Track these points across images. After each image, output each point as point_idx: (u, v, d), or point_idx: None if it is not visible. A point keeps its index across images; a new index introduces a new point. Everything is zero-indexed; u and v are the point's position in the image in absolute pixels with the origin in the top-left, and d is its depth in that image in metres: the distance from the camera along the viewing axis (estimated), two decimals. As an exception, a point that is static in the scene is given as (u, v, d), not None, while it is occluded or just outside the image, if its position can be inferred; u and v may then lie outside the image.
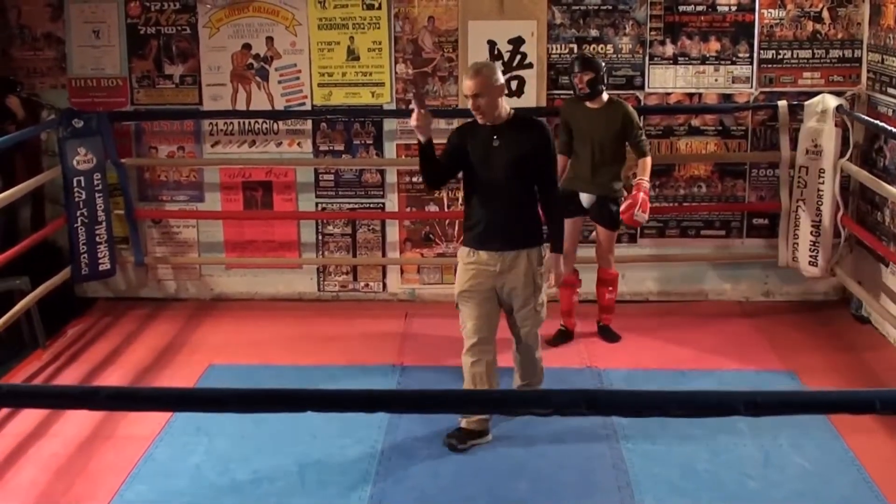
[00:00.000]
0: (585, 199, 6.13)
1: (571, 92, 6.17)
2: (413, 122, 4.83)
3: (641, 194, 5.98)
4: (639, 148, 6.08)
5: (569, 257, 6.07)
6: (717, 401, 2.77)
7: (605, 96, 6.08)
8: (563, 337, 6.39)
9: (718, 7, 6.81)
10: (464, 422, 5.08)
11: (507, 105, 5.01)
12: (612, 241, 6.29)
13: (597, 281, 6.41)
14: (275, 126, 6.99)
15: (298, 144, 7.02)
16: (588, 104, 6.07)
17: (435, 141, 4.95)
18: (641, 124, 6.18)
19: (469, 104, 4.93)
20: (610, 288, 6.38)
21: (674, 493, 4.70)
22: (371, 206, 7.14)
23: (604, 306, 6.44)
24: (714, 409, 2.79)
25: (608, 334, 6.42)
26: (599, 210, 6.15)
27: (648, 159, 6.10)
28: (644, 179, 6.03)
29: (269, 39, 6.94)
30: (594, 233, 6.36)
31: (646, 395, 2.76)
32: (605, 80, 6.12)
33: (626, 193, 6.13)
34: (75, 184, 6.73)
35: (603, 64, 6.13)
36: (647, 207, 6.01)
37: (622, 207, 6.04)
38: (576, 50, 6.86)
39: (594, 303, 6.49)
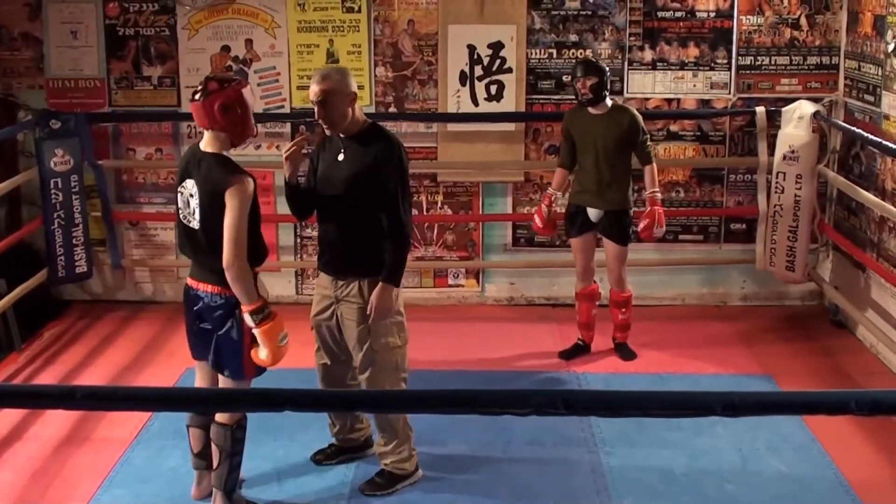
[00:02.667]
0: (593, 213, 5.95)
1: (574, 98, 5.98)
2: (284, 152, 4.49)
3: (658, 209, 5.88)
4: (645, 155, 5.90)
5: (587, 271, 6.11)
6: (694, 401, 2.78)
7: (608, 102, 5.90)
8: (578, 351, 6.24)
9: (697, 13, 6.84)
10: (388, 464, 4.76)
11: (362, 116, 4.57)
12: (624, 258, 6.05)
13: (610, 302, 6.21)
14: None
15: (277, 147, 6.99)
16: (591, 110, 5.87)
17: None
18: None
19: (315, 111, 4.51)
20: (623, 310, 6.15)
21: (652, 498, 4.71)
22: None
23: (618, 325, 6.24)
24: (691, 409, 2.80)
25: (624, 352, 6.24)
26: (609, 225, 5.95)
27: (654, 167, 5.93)
28: (656, 192, 5.91)
29: (249, 42, 6.92)
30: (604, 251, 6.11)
31: (623, 395, 2.77)
32: (609, 86, 5.94)
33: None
34: (52, 185, 6.68)
35: (607, 68, 5.93)
36: (664, 221, 5.93)
37: (641, 227, 5.92)
38: (555, 55, 6.88)
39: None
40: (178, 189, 4.32)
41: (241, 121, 4.22)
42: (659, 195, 5.95)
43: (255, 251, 4.29)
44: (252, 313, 4.19)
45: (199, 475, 4.68)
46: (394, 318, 4.60)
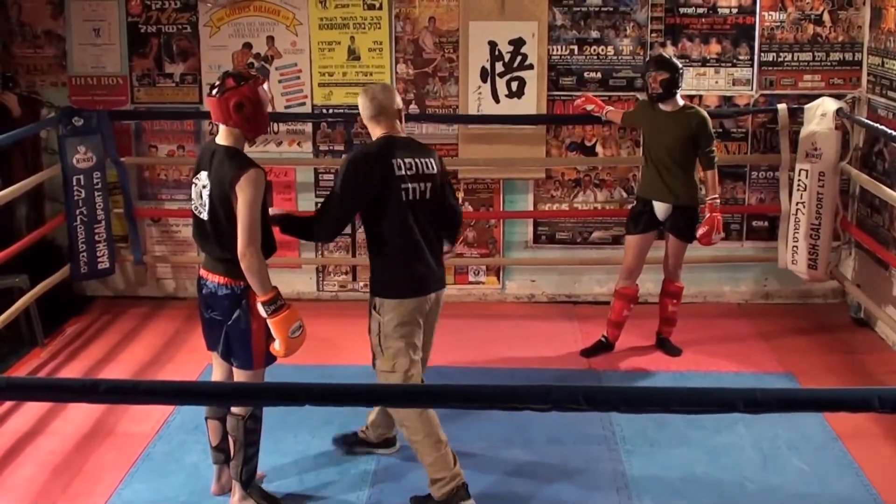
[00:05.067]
0: (661, 209, 5.92)
1: (645, 93, 6.01)
2: None
3: (718, 216, 5.82)
4: (708, 159, 5.82)
5: (636, 271, 6.09)
6: (716, 397, 2.77)
7: (679, 100, 5.87)
8: (602, 348, 6.20)
9: (719, 9, 6.81)
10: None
11: (376, 134, 4.58)
12: (684, 252, 6.08)
13: (661, 292, 6.23)
14: (275, 126, 6.98)
15: (298, 144, 7.01)
16: (661, 107, 5.85)
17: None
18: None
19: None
20: (675, 300, 6.18)
21: (672, 496, 4.70)
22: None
23: (666, 318, 6.25)
24: (713, 405, 2.79)
25: (668, 347, 6.24)
26: (677, 221, 5.93)
27: (716, 173, 5.87)
28: (717, 199, 5.86)
29: (270, 39, 6.94)
30: (665, 243, 6.13)
31: (645, 391, 2.77)
32: (680, 83, 5.86)
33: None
34: (75, 182, 6.72)
35: (680, 66, 5.87)
36: (722, 227, 5.90)
37: (700, 233, 5.85)
38: (577, 51, 6.86)
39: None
40: (193, 181, 4.40)
41: (255, 118, 4.28)
42: (719, 201, 5.89)
43: (265, 244, 4.33)
44: (265, 304, 4.23)
45: (218, 470, 4.71)
46: (387, 345, 4.54)
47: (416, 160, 4.49)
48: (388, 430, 5.00)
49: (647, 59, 6.06)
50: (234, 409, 4.46)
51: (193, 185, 4.39)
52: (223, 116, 4.25)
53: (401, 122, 4.60)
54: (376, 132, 4.56)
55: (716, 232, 5.83)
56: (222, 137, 4.32)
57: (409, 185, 4.44)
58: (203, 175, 4.32)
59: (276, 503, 4.58)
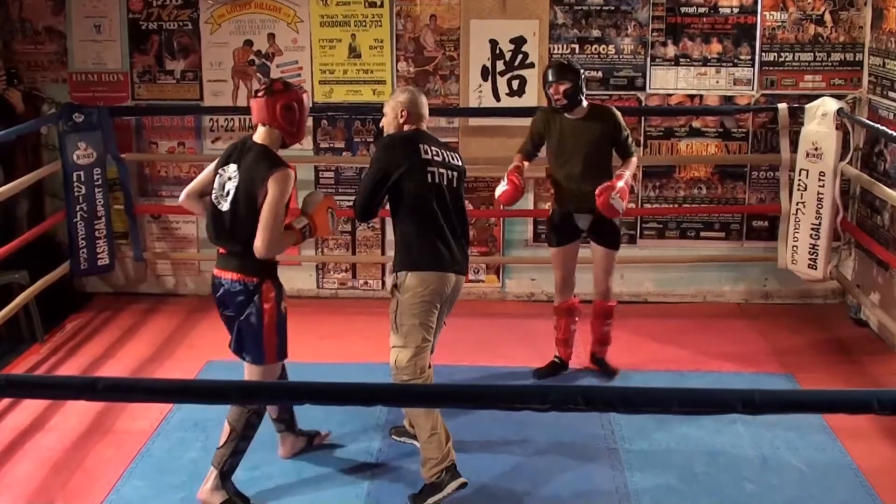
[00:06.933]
0: (583, 219, 5.60)
1: (548, 105, 5.61)
2: None
3: (620, 182, 5.36)
4: (626, 150, 5.57)
5: (569, 283, 5.79)
6: (715, 398, 2.77)
7: (584, 104, 5.52)
8: (555, 369, 5.88)
9: (720, 9, 6.81)
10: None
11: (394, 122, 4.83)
12: (613, 264, 5.74)
13: (593, 313, 5.85)
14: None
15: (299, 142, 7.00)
16: (568, 116, 5.51)
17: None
18: (645, 126, 5.90)
19: None
20: (608, 320, 5.83)
21: (671, 496, 4.70)
22: (371, 204, 7.13)
23: (600, 338, 5.90)
24: (712, 406, 2.79)
25: (604, 367, 5.90)
26: (599, 228, 5.60)
27: (635, 158, 5.62)
28: (626, 172, 5.46)
29: (271, 36, 6.94)
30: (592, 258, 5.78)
31: (643, 392, 2.76)
32: (584, 88, 5.51)
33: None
34: (75, 178, 6.73)
35: (581, 69, 5.53)
36: (626, 197, 5.40)
37: (597, 190, 5.34)
38: (578, 50, 6.86)
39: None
40: (218, 172, 4.45)
41: (298, 123, 4.48)
42: (627, 175, 5.44)
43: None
44: (303, 231, 4.54)
45: (282, 437, 4.92)
46: (401, 321, 4.68)
47: (442, 151, 4.77)
48: None
49: (546, 67, 5.62)
50: None
51: (218, 176, 4.45)
52: (268, 116, 4.39)
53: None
54: (409, 127, 4.79)
55: (617, 195, 5.31)
56: (259, 136, 4.44)
57: (436, 170, 4.66)
58: (232, 167, 4.39)
59: (248, 501, 4.57)
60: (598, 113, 5.58)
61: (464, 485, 4.54)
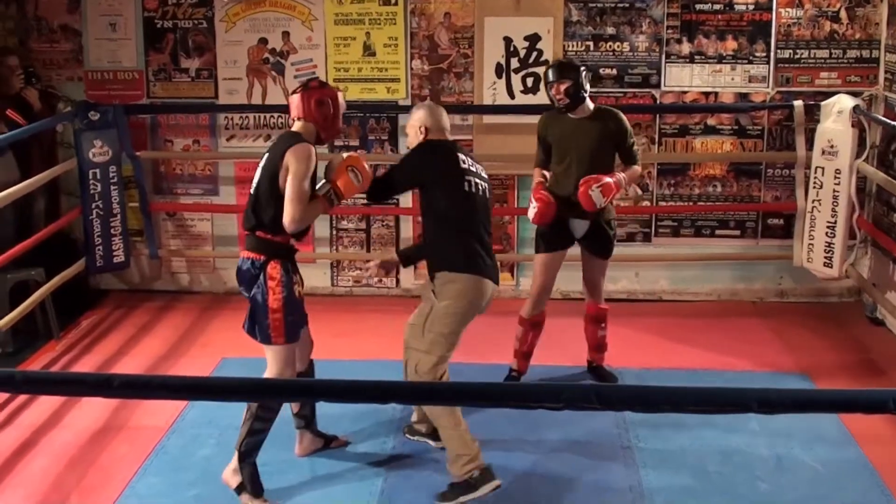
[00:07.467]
0: (579, 226, 5.46)
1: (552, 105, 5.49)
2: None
3: (608, 179, 5.23)
4: (630, 158, 5.44)
5: (547, 294, 5.63)
6: (730, 397, 2.75)
7: (590, 104, 5.41)
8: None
9: (735, 6, 6.78)
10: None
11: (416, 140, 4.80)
12: (605, 270, 5.66)
13: (586, 318, 5.77)
14: (290, 120, 6.95)
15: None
16: (572, 116, 5.37)
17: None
18: (660, 124, 5.83)
19: None
20: (602, 324, 5.74)
21: (685, 495, 4.69)
22: (385, 201, 7.13)
23: (596, 345, 5.80)
24: (727, 405, 2.77)
25: (603, 374, 5.78)
26: (595, 237, 5.50)
27: (638, 168, 5.51)
28: (622, 174, 5.35)
29: (286, 34, 6.95)
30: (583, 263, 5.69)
31: (658, 391, 2.75)
32: (587, 86, 5.36)
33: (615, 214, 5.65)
34: (91, 176, 6.76)
35: (582, 67, 5.39)
36: (611, 194, 5.24)
37: (582, 179, 5.24)
38: (592, 47, 6.85)
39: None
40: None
41: (332, 117, 4.59)
42: (622, 178, 5.33)
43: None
44: (332, 195, 4.57)
45: (300, 434, 4.94)
46: (431, 327, 4.66)
47: (475, 163, 4.82)
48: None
49: (546, 67, 5.52)
50: None
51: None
52: (304, 111, 4.56)
53: None
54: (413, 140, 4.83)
55: (598, 187, 5.19)
56: (295, 128, 4.60)
57: (472, 179, 4.70)
58: (266, 156, 4.57)
59: (261, 491, 4.57)
60: (604, 115, 5.46)
61: (497, 487, 4.50)
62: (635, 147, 5.53)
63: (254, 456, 4.56)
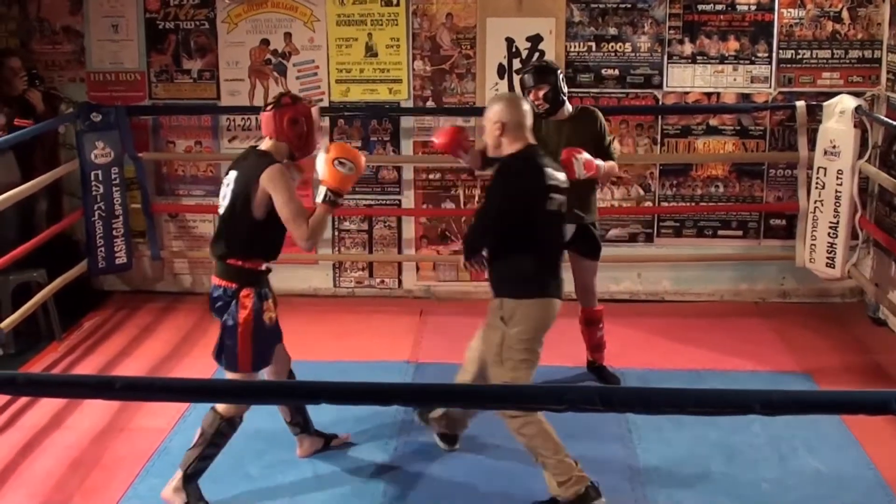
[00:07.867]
0: (566, 230, 5.09)
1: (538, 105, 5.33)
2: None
3: (591, 157, 5.11)
4: (609, 156, 5.37)
5: (589, 293, 5.69)
6: (732, 399, 2.75)
7: (569, 106, 5.39)
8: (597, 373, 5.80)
9: (738, 6, 6.78)
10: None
11: (511, 148, 4.48)
12: (595, 271, 5.65)
13: (582, 321, 5.78)
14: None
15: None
16: (552, 118, 5.35)
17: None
18: (662, 124, 5.73)
19: None
20: (599, 325, 5.76)
21: (687, 496, 4.68)
22: (387, 202, 7.14)
23: (595, 345, 5.81)
24: (729, 407, 2.77)
25: (605, 375, 5.80)
26: (584, 239, 5.48)
27: (614, 163, 5.43)
28: (602, 164, 5.19)
29: (288, 35, 6.95)
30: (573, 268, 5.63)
31: (661, 392, 2.75)
32: (565, 88, 5.35)
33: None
34: (93, 177, 6.76)
35: (559, 70, 5.40)
36: (591, 170, 5.06)
37: (565, 150, 5.08)
38: (594, 48, 6.85)
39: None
40: (223, 182, 4.49)
41: (306, 136, 4.44)
42: (601, 168, 5.18)
43: (273, 243, 4.44)
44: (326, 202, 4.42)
45: (298, 439, 4.94)
46: (508, 356, 4.46)
47: (557, 173, 4.51)
48: (450, 429, 4.99)
49: (524, 72, 5.45)
50: (217, 407, 4.49)
51: (223, 186, 4.47)
52: (275, 130, 4.39)
53: None
54: (514, 144, 4.45)
55: (581, 156, 5.04)
56: (264, 146, 4.44)
57: (556, 196, 4.45)
58: (232, 174, 4.43)
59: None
60: (584, 115, 5.43)
61: None
62: (613, 145, 5.52)
63: (199, 477, 4.52)
